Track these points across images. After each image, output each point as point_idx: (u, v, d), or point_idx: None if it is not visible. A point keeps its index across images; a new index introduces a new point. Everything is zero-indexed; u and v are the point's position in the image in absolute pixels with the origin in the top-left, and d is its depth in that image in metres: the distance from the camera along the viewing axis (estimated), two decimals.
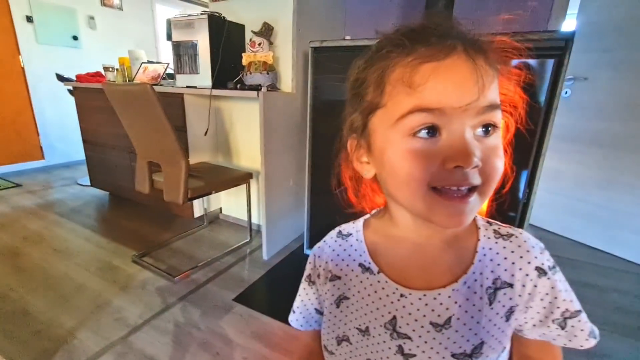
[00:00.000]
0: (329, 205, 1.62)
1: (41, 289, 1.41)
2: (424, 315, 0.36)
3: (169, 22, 1.71)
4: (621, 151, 1.80)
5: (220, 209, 2.19)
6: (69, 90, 2.42)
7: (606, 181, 1.86)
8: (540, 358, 0.39)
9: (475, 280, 0.35)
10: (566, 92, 2.00)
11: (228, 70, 1.68)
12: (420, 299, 0.36)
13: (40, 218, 2.10)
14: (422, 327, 0.36)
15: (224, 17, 1.63)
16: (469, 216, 0.31)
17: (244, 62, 1.62)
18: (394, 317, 0.37)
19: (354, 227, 0.44)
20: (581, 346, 0.37)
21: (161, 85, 1.89)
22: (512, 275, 0.35)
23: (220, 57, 1.62)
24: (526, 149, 1.13)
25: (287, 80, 1.73)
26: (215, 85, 1.64)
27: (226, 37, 1.63)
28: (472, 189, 0.30)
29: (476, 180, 0.30)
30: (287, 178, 1.76)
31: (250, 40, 1.60)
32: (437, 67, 0.29)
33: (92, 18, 3.40)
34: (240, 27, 1.73)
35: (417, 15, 0.34)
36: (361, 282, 0.40)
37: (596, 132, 1.89)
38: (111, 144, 2.22)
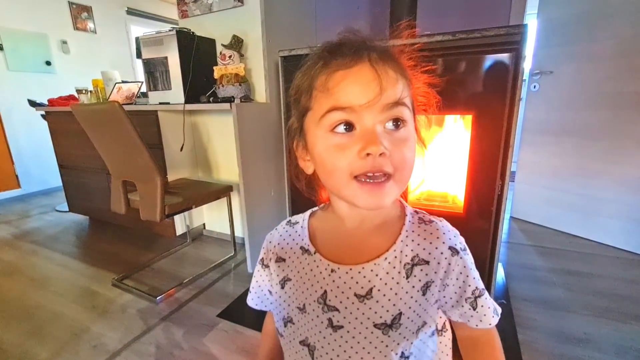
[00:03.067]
0: None
1: (15, 321, 1.35)
2: (350, 288, 0.40)
3: (137, 41, 1.71)
4: (589, 139, 1.86)
5: (204, 224, 2.15)
6: (42, 115, 2.37)
7: (579, 169, 1.91)
8: (478, 337, 0.45)
9: (396, 257, 0.40)
10: (535, 87, 2.07)
11: (201, 84, 1.68)
12: (347, 272, 0.41)
13: (15, 248, 2.03)
14: (348, 298, 0.40)
15: (193, 33, 1.64)
16: (386, 199, 0.36)
17: (216, 75, 1.62)
18: (325, 292, 0.42)
19: (302, 217, 0.49)
20: (490, 324, 0.42)
21: (135, 103, 1.87)
22: (429, 253, 0.40)
23: (191, 72, 1.62)
24: (495, 141, 1.15)
25: (261, 91, 1.74)
26: (188, 100, 1.63)
27: (196, 52, 1.63)
28: (388, 177, 0.35)
29: (388, 168, 0.35)
30: (267, 188, 1.75)
31: (221, 53, 1.61)
32: (347, 74, 0.35)
33: (64, 42, 3.37)
34: (211, 41, 1.74)
35: (363, 25, 0.40)
36: (300, 263, 0.45)
37: (565, 123, 1.95)
38: (88, 167, 2.18)
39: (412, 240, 0.41)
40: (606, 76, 1.75)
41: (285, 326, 0.46)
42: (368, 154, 0.34)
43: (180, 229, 2.00)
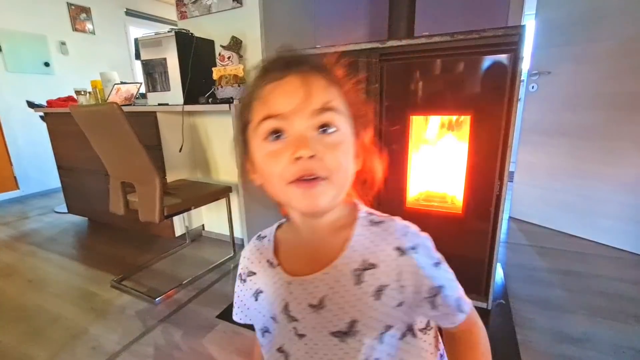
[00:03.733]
0: None
1: (12, 323, 1.35)
2: (305, 298, 0.41)
3: (136, 42, 1.71)
4: (587, 140, 1.86)
5: (203, 225, 2.15)
6: (41, 117, 2.37)
7: (577, 170, 1.92)
8: (455, 334, 0.44)
9: (346, 263, 0.40)
10: (533, 87, 2.07)
11: (199, 85, 1.68)
12: (300, 284, 0.42)
13: (13, 250, 2.02)
14: (304, 309, 0.41)
15: (191, 34, 1.64)
16: (321, 200, 0.37)
17: (215, 76, 1.62)
18: (287, 303, 0.43)
19: (269, 230, 0.50)
20: (453, 323, 0.41)
21: (134, 105, 1.87)
22: (377, 256, 0.39)
23: (190, 73, 1.62)
24: (493, 142, 1.16)
25: None
26: (187, 101, 1.63)
27: (195, 53, 1.64)
28: (321, 180, 0.36)
29: (321, 171, 0.36)
30: None
31: (220, 54, 1.61)
32: (277, 85, 0.37)
33: (63, 44, 3.37)
34: (209, 43, 1.74)
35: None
36: (267, 275, 0.46)
37: (563, 123, 1.95)
38: (86, 168, 2.17)
39: (361, 245, 0.40)
40: (604, 77, 1.76)
41: (263, 336, 0.48)
42: (298, 158, 0.35)
43: (179, 230, 2.00)
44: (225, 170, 1.93)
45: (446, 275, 0.41)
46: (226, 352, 1.15)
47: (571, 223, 1.98)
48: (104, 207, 2.12)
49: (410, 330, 0.42)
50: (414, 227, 0.41)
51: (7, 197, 3.10)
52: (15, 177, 3.15)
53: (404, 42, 1.22)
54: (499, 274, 1.55)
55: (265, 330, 0.47)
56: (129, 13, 3.95)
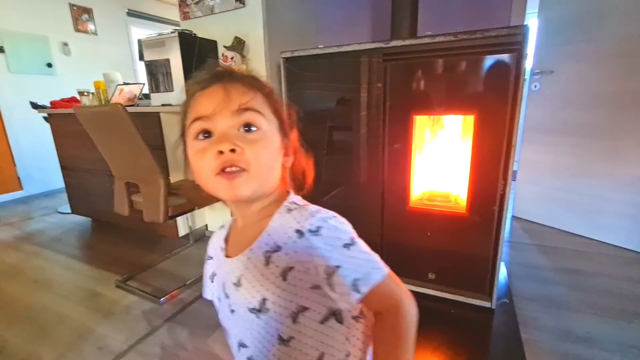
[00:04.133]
0: None
1: (19, 323, 1.36)
2: (229, 277, 0.48)
3: (140, 43, 1.72)
4: (590, 138, 1.86)
5: (206, 225, 2.16)
6: (45, 118, 2.38)
7: (580, 168, 1.91)
8: (380, 307, 0.45)
9: (260, 247, 0.45)
10: (535, 86, 2.07)
11: None
12: (229, 264, 0.48)
13: (18, 250, 2.03)
14: (231, 286, 0.47)
15: (194, 34, 1.65)
16: (242, 189, 0.42)
17: None
18: (224, 282, 0.49)
19: (228, 221, 0.57)
20: (348, 303, 0.42)
21: (137, 105, 1.88)
22: (282, 239, 0.43)
23: (193, 73, 1.62)
24: (497, 141, 1.16)
25: None
26: None
27: (198, 54, 1.64)
28: (242, 172, 0.41)
29: (241, 163, 0.41)
30: None
31: (223, 55, 1.62)
32: (203, 93, 0.44)
33: (65, 44, 3.38)
34: (212, 43, 1.75)
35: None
36: (219, 260, 0.53)
37: (566, 122, 1.95)
38: (90, 169, 2.18)
39: (274, 230, 0.44)
40: (607, 75, 1.76)
41: (218, 316, 0.55)
42: (221, 152, 0.40)
43: (182, 230, 2.00)
44: None
45: (350, 255, 0.42)
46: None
47: (574, 222, 1.98)
48: (108, 208, 2.13)
49: (334, 315, 0.44)
50: (326, 213, 0.44)
51: (11, 197, 3.11)
52: (18, 178, 3.16)
53: (407, 42, 1.22)
54: (502, 273, 1.55)
55: (219, 310, 0.53)
56: (131, 14, 3.95)
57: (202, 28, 1.76)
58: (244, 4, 1.64)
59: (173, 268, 1.77)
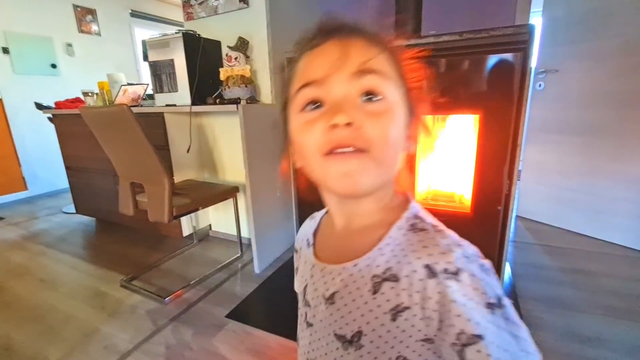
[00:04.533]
0: None
1: (26, 322, 1.37)
2: (320, 287, 0.39)
3: (144, 43, 1.72)
4: (596, 137, 1.85)
5: (210, 225, 2.16)
6: (49, 118, 2.39)
7: (587, 167, 1.90)
8: None
9: (368, 265, 0.35)
10: (540, 85, 2.06)
11: (207, 86, 1.68)
12: (320, 270, 0.40)
13: (24, 250, 2.05)
14: (317, 297, 0.39)
15: (198, 35, 1.65)
16: (361, 178, 0.32)
17: (222, 77, 1.63)
18: (306, 286, 0.42)
19: (320, 212, 0.49)
20: None
21: (141, 106, 1.89)
22: (401, 268, 0.32)
23: (197, 73, 1.63)
24: (502, 141, 1.15)
25: (267, 92, 1.74)
26: (194, 102, 1.64)
27: (202, 54, 1.64)
28: (360, 153, 0.31)
29: (359, 142, 0.31)
30: (273, 189, 1.76)
31: (227, 55, 1.62)
32: (316, 51, 0.34)
33: (69, 45, 3.39)
34: (216, 43, 1.75)
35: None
36: (305, 255, 0.46)
37: (572, 121, 1.94)
38: (94, 169, 2.19)
39: (391, 251, 0.34)
40: (612, 74, 1.74)
41: (299, 305, 0.48)
42: (334, 126, 0.31)
43: (186, 230, 2.01)
44: (232, 170, 1.93)
45: (496, 323, 0.29)
46: (237, 351, 1.16)
47: (580, 221, 1.97)
48: (112, 207, 2.14)
49: None
50: (467, 249, 0.32)
51: (16, 197, 3.13)
52: (23, 178, 3.18)
53: (411, 41, 1.22)
54: (507, 273, 1.54)
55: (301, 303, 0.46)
56: (134, 14, 3.97)
57: (206, 28, 1.77)
58: (247, 4, 1.64)
59: (177, 268, 1.78)
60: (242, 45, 1.65)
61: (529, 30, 1.03)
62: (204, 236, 2.14)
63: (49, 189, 3.35)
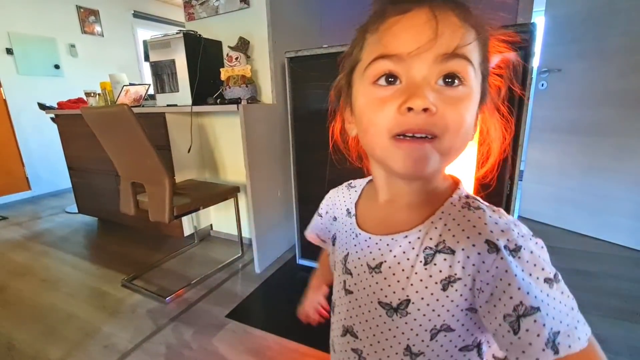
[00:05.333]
0: None
1: (28, 321, 1.37)
2: (365, 256, 0.39)
3: (145, 44, 1.73)
4: (599, 137, 1.83)
5: (211, 225, 2.17)
6: (52, 118, 2.40)
7: (588, 167, 1.89)
8: None
9: (419, 237, 0.35)
10: (542, 85, 2.05)
11: (208, 86, 1.69)
12: (366, 240, 0.39)
13: (26, 249, 2.06)
14: (361, 265, 0.39)
15: (199, 35, 1.65)
16: (425, 164, 0.31)
17: (223, 77, 1.63)
18: (347, 254, 0.42)
19: (361, 182, 0.49)
20: (531, 357, 0.28)
21: (143, 106, 1.89)
22: (458, 242, 0.32)
23: (198, 73, 1.63)
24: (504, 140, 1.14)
25: (267, 92, 1.74)
26: (195, 102, 1.64)
27: (203, 54, 1.65)
28: (431, 140, 0.30)
29: (434, 128, 0.30)
30: (274, 189, 1.76)
31: (227, 55, 1.62)
32: (400, 19, 0.30)
33: (73, 46, 3.41)
34: (217, 43, 1.75)
35: None
36: (343, 223, 0.45)
37: (574, 121, 1.93)
38: (97, 169, 2.20)
39: (445, 225, 0.34)
40: (615, 73, 1.73)
41: (334, 270, 0.48)
42: (410, 109, 0.29)
43: (187, 230, 2.02)
44: (233, 170, 1.94)
45: (553, 297, 0.29)
46: (237, 351, 1.16)
47: (582, 222, 1.95)
48: (114, 207, 2.15)
49: (477, 347, 0.35)
50: (522, 228, 0.32)
51: (20, 197, 3.15)
52: (27, 178, 3.20)
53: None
54: None
55: (334, 269, 0.47)
56: (137, 15, 3.99)
57: (207, 29, 1.77)
58: (248, 4, 1.64)
59: (178, 267, 1.78)
60: (242, 45, 1.65)
61: (530, 29, 1.02)
62: (205, 236, 2.14)
63: (52, 189, 3.37)
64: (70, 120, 2.22)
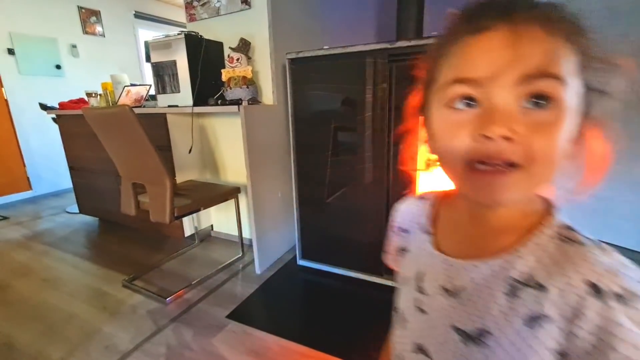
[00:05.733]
0: (319, 214, 1.62)
1: (28, 321, 1.38)
2: (442, 278, 0.37)
3: (147, 44, 1.73)
4: None
5: (212, 226, 2.17)
6: (53, 119, 2.41)
7: None
8: None
9: (504, 267, 0.32)
10: None
11: (209, 87, 1.69)
12: (443, 262, 0.37)
13: (27, 249, 2.06)
14: (436, 287, 0.37)
15: (200, 36, 1.66)
16: (506, 194, 0.29)
17: (224, 78, 1.63)
18: (421, 272, 0.40)
19: (432, 194, 0.46)
20: None
21: (144, 106, 1.90)
22: (551, 278, 0.29)
23: (199, 74, 1.64)
24: None
25: (268, 93, 1.75)
26: (196, 103, 1.65)
27: (204, 55, 1.65)
28: (514, 170, 0.27)
29: (514, 156, 0.27)
30: (275, 190, 1.76)
31: (228, 56, 1.63)
32: (477, 40, 0.28)
33: (74, 46, 3.42)
34: (218, 44, 1.76)
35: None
36: (418, 239, 0.43)
37: None
38: (97, 169, 2.21)
39: (534, 257, 0.31)
40: None
41: (401, 284, 0.46)
42: (487, 137, 0.27)
43: (188, 231, 2.02)
44: (234, 171, 1.94)
45: None
46: (237, 352, 1.16)
47: (582, 224, 1.94)
48: (115, 208, 2.15)
49: None
50: (637, 271, 0.29)
51: (21, 197, 3.16)
52: (28, 178, 3.21)
53: (413, 42, 1.21)
54: None
55: (401, 283, 0.45)
56: (138, 16, 3.99)
57: (208, 30, 1.77)
58: (249, 5, 1.65)
59: (179, 268, 1.78)
60: (243, 47, 1.65)
61: None
62: (206, 237, 2.15)
63: (53, 189, 3.38)
64: (72, 120, 2.22)
